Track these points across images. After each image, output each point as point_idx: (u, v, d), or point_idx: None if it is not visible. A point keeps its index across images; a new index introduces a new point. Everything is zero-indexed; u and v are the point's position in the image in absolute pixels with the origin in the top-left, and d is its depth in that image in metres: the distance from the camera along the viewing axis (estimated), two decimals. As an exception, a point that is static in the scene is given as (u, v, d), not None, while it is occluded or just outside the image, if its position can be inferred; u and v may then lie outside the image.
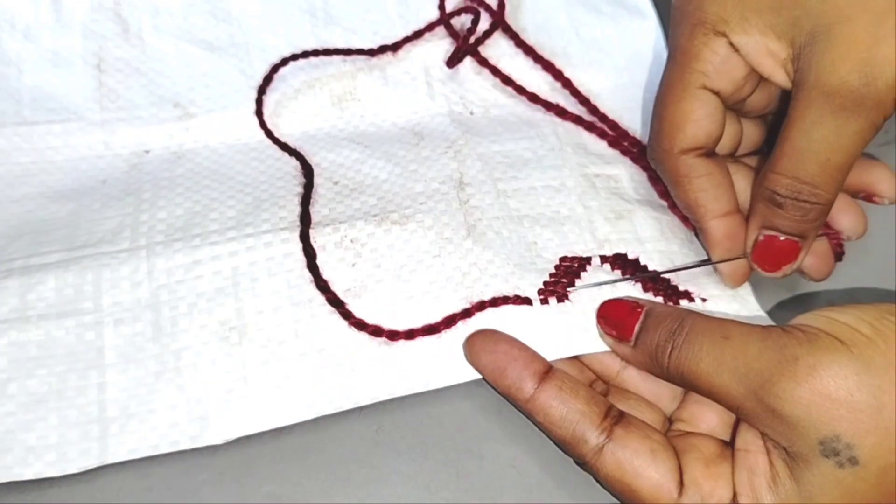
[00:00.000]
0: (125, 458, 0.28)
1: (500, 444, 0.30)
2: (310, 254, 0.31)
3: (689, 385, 0.27)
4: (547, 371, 0.29)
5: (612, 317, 0.30)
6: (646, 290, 0.32)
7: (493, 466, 0.29)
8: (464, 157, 0.35)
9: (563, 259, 0.32)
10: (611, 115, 0.38)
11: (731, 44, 0.30)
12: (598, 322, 0.30)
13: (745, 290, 0.33)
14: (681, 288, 0.32)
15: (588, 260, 0.32)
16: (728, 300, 0.33)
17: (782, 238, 0.30)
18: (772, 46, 0.30)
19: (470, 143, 0.35)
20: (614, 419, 0.28)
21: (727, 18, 0.30)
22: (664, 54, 0.39)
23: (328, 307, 0.31)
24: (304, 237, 0.32)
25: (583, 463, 0.28)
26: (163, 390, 0.29)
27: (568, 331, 0.30)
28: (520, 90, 0.38)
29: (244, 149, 0.36)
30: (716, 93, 0.31)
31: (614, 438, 0.27)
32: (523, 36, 0.39)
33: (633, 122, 0.38)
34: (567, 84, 0.38)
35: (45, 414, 0.29)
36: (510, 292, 0.31)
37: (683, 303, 0.32)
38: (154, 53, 0.38)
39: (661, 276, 0.32)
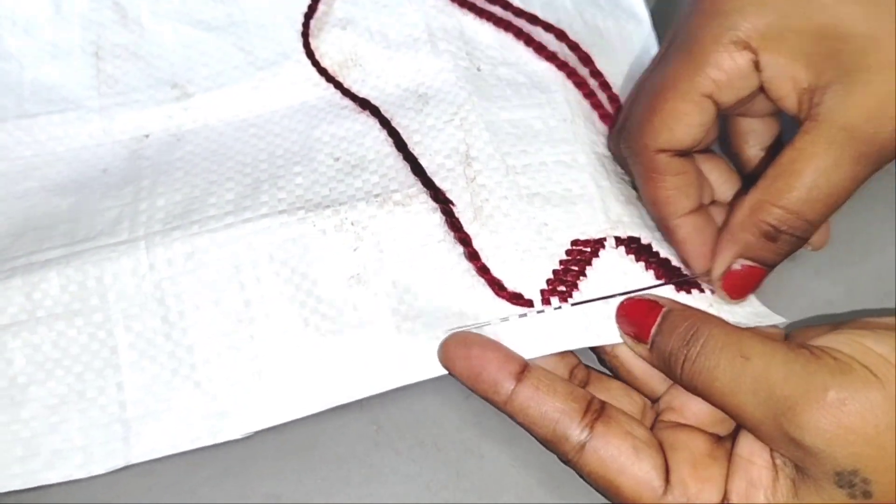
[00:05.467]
0: (149, 457, 0.28)
1: (500, 444, 0.30)
2: None
3: (703, 397, 0.27)
4: (523, 370, 0.28)
5: (631, 316, 0.29)
6: (658, 277, 0.31)
7: (493, 466, 0.29)
8: (470, 125, 0.33)
9: (574, 243, 0.31)
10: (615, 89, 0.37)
11: (757, 61, 0.28)
12: (617, 320, 0.30)
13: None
14: (674, 264, 0.32)
15: (602, 242, 0.31)
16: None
17: (752, 266, 0.29)
18: (797, 72, 0.28)
19: (477, 109, 0.34)
20: (595, 413, 0.27)
21: (764, 34, 0.28)
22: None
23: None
24: None
25: (566, 461, 0.28)
26: (179, 388, 0.29)
27: (569, 324, 0.30)
28: (528, 41, 0.37)
29: (243, 125, 0.35)
30: (717, 103, 0.29)
31: (595, 435, 0.27)
32: (530, 7, 0.38)
33: None
34: (575, 48, 0.37)
35: (67, 415, 0.29)
36: (514, 285, 0.30)
37: (695, 292, 0.31)
38: (152, 38, 0.37)
39: (673, 265, 0.32)
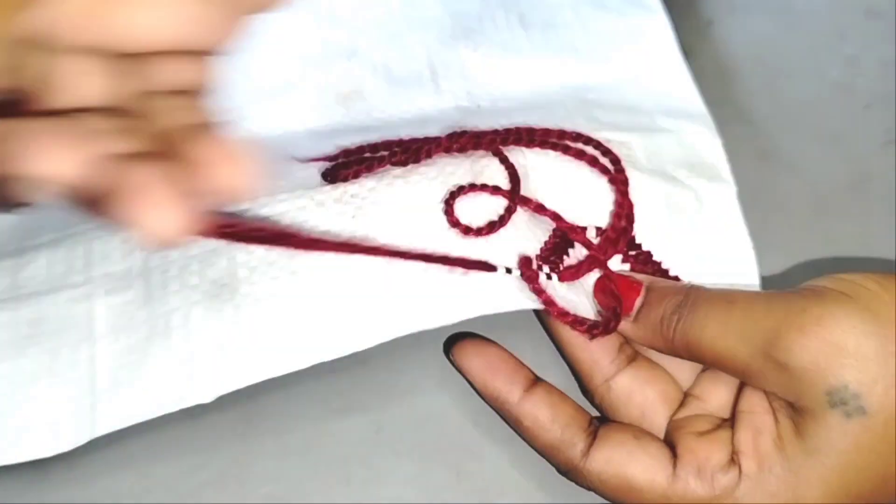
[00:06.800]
0: (113, 428, 0.28)
1: (501, 446, 0.30)
2: None
3: (695, 356, 0.27)
4: (535, 380, 0.29)
5: (612, 289, 0.30)
6: (634, 269, 0.32)
7: (493, 468, 0.29)
8: (472, 126, 0.34)
9: (560, 222, 0.32)
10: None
11: None
12: (595, 297, 0.30)
13: (746, 273, 0.33)
14: (671, 273, 0.32)
15: (584, 229, 0.32)
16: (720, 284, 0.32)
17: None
18: None
19: (477, 119, 0.35)
20: (596, 426, 0.28)
21: None
22: (675, 47, 0.38)
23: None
24: None
25: (569, 469, 0.28)
26: (152, 355, 0.29)
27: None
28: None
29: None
30: None
31: (598, 439, 0.28)
32: (530, 32, 0.39)
33: (646, 105, 0.37)
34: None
35: (36, 393, 0.28)
36: (515, 243, 0.30)
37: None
38: None
39: (652, 258, 0.32)
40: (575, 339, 0.30)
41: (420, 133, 0.35)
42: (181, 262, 0.30)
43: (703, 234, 0.33)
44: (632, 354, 0.30)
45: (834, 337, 0.25)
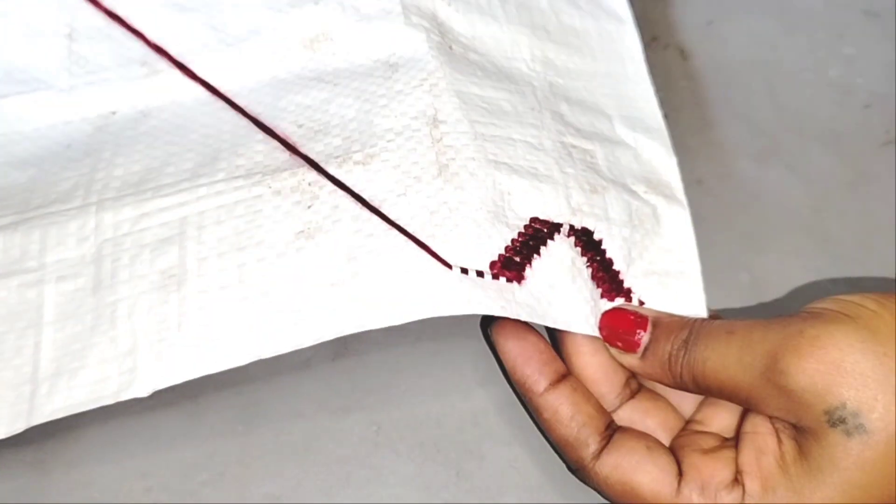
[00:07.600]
0: (50, 418, 0.27)
1: (500, 445, 0.30)
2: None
3: (702, 388, 0.27)
4: (565, 374, 0.29)
5: (617, 328, 0.30)
6: (593, 276, 0.31)
7: (493, 467, 0.29)
8: (440, 91, 0.33)
9: (533, 220, 0.31)
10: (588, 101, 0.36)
11: None
12: (602, 333, 0.30)
13: (693, 300, 0.32)
14: (625, 284, 0.31)
15: (558, 227, 0.31)
16: (667, 307, 0.31)
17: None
18: None
19: (448, 78, 0.33)
20: (613, 430, 0.28)
21: None
22: (640, 56, 0.38)
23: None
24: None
25: (578, 468, 0.28)
26: (96, 344, 0.29)
27: (521, 301, 0.29)
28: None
29: (210, 100, 0.35)
30: None
31: (612, 443, 0.28)
32: (506, 8, 0.38)
33: (608, 107, 0.37)
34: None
35: None
36: (476, 240, 0.30)
37: (619, 300, 0.31)
38: (126, 20, 0.37)
39: (613, 267, 0.31)
40: (584, 370, 0.30)
41: (382, 80, 0.34)
42: (133, 250, 0.30)
43: (656, 252, 0.33)
44: (636, 388, 0.30)
45: (830, 356, 0.24)
